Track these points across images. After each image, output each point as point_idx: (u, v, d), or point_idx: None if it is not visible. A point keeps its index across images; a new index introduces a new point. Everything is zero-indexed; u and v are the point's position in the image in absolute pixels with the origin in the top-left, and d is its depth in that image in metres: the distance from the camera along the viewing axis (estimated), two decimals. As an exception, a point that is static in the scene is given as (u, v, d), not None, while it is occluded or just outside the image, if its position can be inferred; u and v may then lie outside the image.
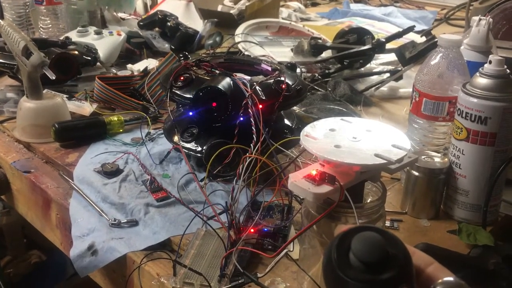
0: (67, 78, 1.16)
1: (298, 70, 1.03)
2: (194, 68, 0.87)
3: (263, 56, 1.20)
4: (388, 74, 1.26)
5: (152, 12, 1.65)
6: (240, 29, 1.52)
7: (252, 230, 0.65)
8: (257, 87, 0.79)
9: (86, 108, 1.06)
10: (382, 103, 1.21)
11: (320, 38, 1.50)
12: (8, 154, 0.94)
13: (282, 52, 1.45)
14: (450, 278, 0.35)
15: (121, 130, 1.00)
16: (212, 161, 0.77)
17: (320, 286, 0.51)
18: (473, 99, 0.70)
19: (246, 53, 1.36)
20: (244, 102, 0.76)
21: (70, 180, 0.83)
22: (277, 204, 0.74)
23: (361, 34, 1.39)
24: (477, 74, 0.71)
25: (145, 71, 1.18)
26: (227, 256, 0.60)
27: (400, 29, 1.42)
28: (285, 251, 0.57)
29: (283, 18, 1.86)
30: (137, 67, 1.24)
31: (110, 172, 0.83)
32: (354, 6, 2.26)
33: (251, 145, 0.72)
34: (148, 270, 0.64)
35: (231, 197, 0.65)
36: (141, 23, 1.51)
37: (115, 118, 0.99)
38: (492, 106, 0.69)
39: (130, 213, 0.74)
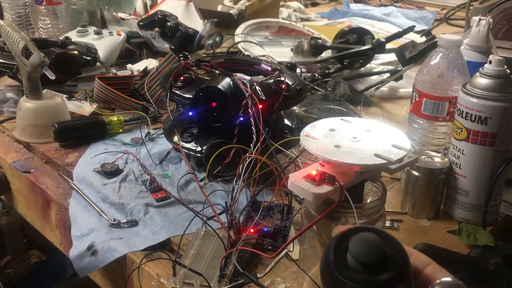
0: (67, 78, 1.16)
1: (298, 70, 1.03)
2: (194, 68, 0.87)
3: (263, 56, 1.20)
4: (388, 74, 1.26)
5: (152, 12, 1.65)
6: (240, 29, 1.52)
7: (252, 230, 0.65)
8: (257, 87, 0.79)
9: (86, 108, 1.06)
10: (382, 103, 1.21)
11: (320, 38, 1.50)
12: (7, 154, 0.94)
13: (282, 52, 1.45)
14: (448, 279, 0.35)
15: (121, 130, 0.99)
16: (212, 161, 0.77)
17: (320, 286, 0.51)
18: (473, 99, 0.70)
19: (246, 53, 1.36)
20: (244, 102, 0.76)
21: (70, 180, 0.83)
22: (277, 204, 0.74)
23: (361, 34, 1.39)
24: (477, 74, 0.71)
25: (145, 71, 1.18)
26: (227, 256, 0.60)
27: (400, 29, 1.42)
28: (285, 251, 0.57)
29: (283, 18, 1.86)
30: (137, 67, 1.24)
31: (109, 172, 0.83)
32: (354, 6, 2.26)
33: (251, 145, 0.72)
34: (147, 270, 0.64)
35: (231, 197, 0.65)
36: (141, 23, 1.51)
37: (115, 118, 0.99)
38: (492, 106, 0.69)
39: (129, 213, 0.74)
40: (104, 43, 1.31)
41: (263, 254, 0.63)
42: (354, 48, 1.33)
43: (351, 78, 1.27)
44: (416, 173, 0.75)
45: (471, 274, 0.62)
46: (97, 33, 1.34)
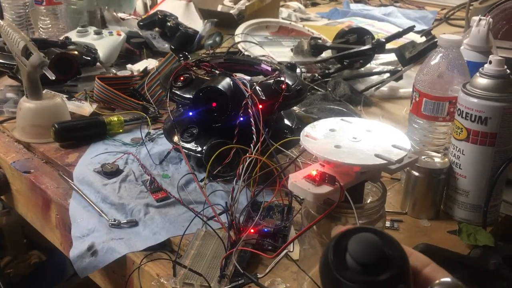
0: (66, 78, 1.16)
1: (298, 70, 1.03)
2: (194, 68, 0.87)
3: (263, 56, 1.20)
4: (388, 74, 1.26)
5: (152, 12, 1.65)
6: (240, 29, 1.52)
7: (252, 231, 0.65)
8: (257, 87, 0.79)
9: (86, 108, 1.06)
10: (382, 103, 1.21)
11: (320, 38, 1.50)
12: (8, 154, 0.94)
13: (282, 52, 1.45)
14: (447, 279, 0.35)
15: (121, 130, 0.99)
16: (212, 161, 0.77)
17: (320, 286, 0.51)
18: (473, 99, 0.70)
19: (246, 53, 1.36)
20: (244, 102, 0.76)
21: (70, 181, 0.83)
22: (277, 205, 0.74)
23: (361, 34, 1.39)
24: (477, 74, 0.71)
25: (145, 71, 1.18)
26: (227, 256, 0.60)
27: (400, 29, 1.42)
28: (285, 251, 0.57)
29: (283, 18, 1.86)
30: (137, 67, 1.24)
31: (110, 172, 0.83)
32: (354, 6, 2.26)
33: (251, 145, 0.72)
34: (148, 271, 0.64)
35: (231, 198, 0.65)
36: (141, 23, 1.51)
37: (115, 118, 0.99)
38: (492, 106, 0.69)
39: (130, 213, 0.74)
40: (104, 43, 1.31)
41: (263, 254, 0.63)
42: (354, 48, 1.33)
43: (351, 78, 1.27)
44: (416, 173, 0.75)
45: (471, 274, 0.62)
46: (97, 33, 1.34)
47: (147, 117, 1.01)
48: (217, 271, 0.60)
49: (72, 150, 0.93)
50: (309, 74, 1.27)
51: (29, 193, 0.88)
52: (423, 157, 0.76)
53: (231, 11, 1.66)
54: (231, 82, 0.79)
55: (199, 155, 0.81)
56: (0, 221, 1.57)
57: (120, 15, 1.66)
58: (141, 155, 0.89)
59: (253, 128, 0.73)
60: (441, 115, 0.79)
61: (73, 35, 1.34)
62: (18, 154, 0.95)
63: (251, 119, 0.74)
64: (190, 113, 0.84)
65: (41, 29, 1.47)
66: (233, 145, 0.77)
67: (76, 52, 1.18)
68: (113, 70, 1.27)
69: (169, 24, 1.48)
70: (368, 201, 0.58)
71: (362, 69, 1.35)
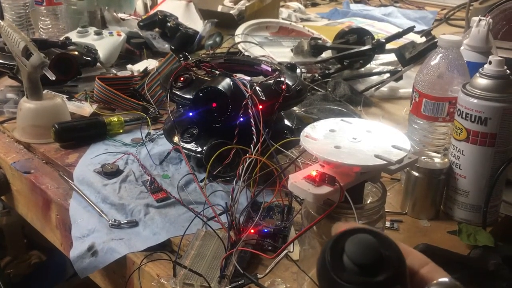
0: (67, 78, 1.16)
1: (298, 70, 1.03)
2: (194, 68, 0.87)
3: (263, 56, 1.20)
4: (388, 75, 1.26)
5: (152, 12, 1.65)
6: (240, 30, 1.52)
7: (252, 231, 0.65)
8: (257, 88, 0.79)
9: (86, 108, 1.06)
10: (382, 104, 1.21)
11: (320, 39, 1.50)
12: (8, 155, 0.94)
13: (282, 53, 1.45)
14: (445, 279, 0.34)
15: (121, 131, 1.00)
16: (212, 162, 0.77)
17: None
18: (473, 99, 0.70)
19: (246, 53, 1.36)
20: (244, 102, 0.76)
21: (70, 181, 0.83)
22: (277, 205, 0.74)
23: (361, 35, 1.40)
24: (477, 74, 0.71)
25: (145, 72, 1.18)
26: (227, 257, 0.60)
27: (400, 30, 1.42)
28: (285, 252, 0.57)
29: (283, 19, 1.86)
30: (137, 67, 1.24)
31: (110, 172, 0.83)
32: (354, 6, 2.26)
33: (251, 145, 0.72)
34: (148, 271, 0.64)
35: (231, 198, 0.65)
36: (141, 24, 1.51)
37: (115, 119, 0.99)
38: (492, 107, 0.69)
39: (130, 213, 0.74)
40: (104, 44, 1.31)
41: (263, 254, 0.63)
42: (354, 48, 1.33)
43: (351, 79, 1.28)
44: (416, 174, 0.75)
45: (471, 274, 0.62)
46: (97, 33, 1.34)
47: (147, 117, 1.01)
48: (217, 271, 0.60)
49: (72, 150, 0.93)
50: (309, 75, 1.27)
51: (30, 193, 0.88)
52: (423, 157, 0.77)
53: (231, 12, 1.66)
54: (231, 83, 0.79)
55: (199, 155, 0.81)
56: (1, 221, 1.57)
57: (120, 15, 1.66)
58: (141, 155, 0.89)
59: (253, 128, 0.73)
60: (441, 115, 0.79)
61: (73, 36, 1.34)
62: (19, 154, 0.95)
63: (251, 120, 0.74)
64: (190, 114, 0.84)
65: (41, 29, 1.48)
66: (233, 146, 0.77)
67: (76, 53, 1.18)
68: (113, 71, 1.27)
69: (169, 24, 1.48)
70: (368, 202, 0.58)
71: (362, 69, 1.35)
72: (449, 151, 0.76)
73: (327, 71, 1.27)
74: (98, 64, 1.25)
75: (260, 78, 0.85)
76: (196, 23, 1.59)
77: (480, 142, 0.71)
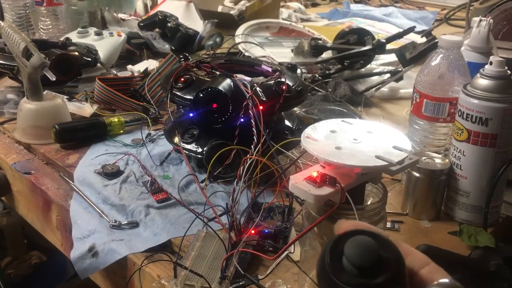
0: (67, 79, 1.16)
1: (298, 71, 1.03)
2: (195, 69, 0.87)
3: (264, 57, 1.20)
4: (388, 75, 1.26)
5: (152, 12, 1.65)
6: (240, 30, 1.52)
7: (253, 232, 0.65)
8: (258, 88, 0.79)
9: (87, 109, 1.06)
10: (383, 104, 1.21)
11: (320, 39, 1.50)
12: (8, 156, 0.94)
13: (282, 53, 1.45)
14: (446, 280, 0.34)
15: (121, 131, 0.99)
16: (213, 163, 0.77)
17: (321, 288, 0.51)
18: (474, 100, 0.70)
19: (246, 54, 1.36)
20: (245, 103, 0.76)
21: (71, 182, 0.83)
22: (278, 206, 0.74)
23: (361, 35, 1.39)
24: (478, 75, 0.71)
25: (146, 72, 1.18)
26: (228, 257, 0.60)
27: (401, 30, 1.42)
28: (286, 252, 0.57)
29: (283, 19, 1.86)
30: (138, 68, 1.24)
31: (110, 173, 0.83)
32: (354, 7, 2.26)
33: (252, 146, 0.72)
34: (148, 272, 0.64)
35: (231, 199, 0.65)
36: (141, 24, 1.51)
37: (116, 119, 0.99)
38: (493, 107, 0.69)
39: (130, 214, 0.74)
40: (105, 44, 1.31)
41: (264, 255, 0.62)
42: (355, 48, 1.33)
43: (352, 79, 1.27)
44: (417, 174, 0.75)
45: (472, 275, 0.62)
46: (97, 34, 1.34)
47: (147, 118, 1.01)
48: (218, 272, 0.60)
49: (73, 151, 0.93)
50: (309, 75, 1.27)
51: (30, 194, 0.88)
52: (423, 158, 0.76)
53: (232, 12, 1.66)
54: (232, 83, 0.79)
55: (199, 156, 0.81)
56: (1, 221, 1.57)
57: (121, 15, 1.66)
58: (141, 156, 0.89)
59: (253, 129, 0.73)
60: (442, 116, 0.79)
61: (74, 36, 1.34)
62: (19, 155, 0.95)
63: (252, 120, 0.74)
64: (191, 114, 0.84)
65: (41, 30, 1.48)
66: (233, 146, 0.77)
67: (76, 53, 1.18)
68: (114, 71, 1.27)
69: (169, 24, 1.48)
70: (369, 203, 0.58)
71: (363, 69, 1.35)
72: (450, 152, 0.76)
73: (327, 72, 1.27)
74: (99, 64, 1.25)
75: (261, 79, 0.85)
76: (196, 24, 1.59)
77: (481, 142, 0.70)
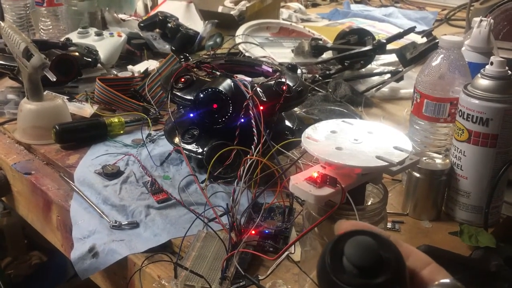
0: (67, 79, 1.16)
1: (299, 71, 1.03)
2: (195, 69, 0.87)
3: (264, 57, 1.20)
4: (389, 75, 1.26)
5: (152, 13, 1.65)
6: (240, 30, 1.52)
7: (253, 232, 0.65)
8: (258, 89, 0.79)
9: (87, 109, 1.06)
10: (383, 104, 1.21)
11: (320, 39, 1.50)
12: (8, 156, 0.94)
13: (282, 53, 1.45)
14: (447, 280, 0.34)
15: (121, 132, 0.99)
16: (213, 163, 0.77)
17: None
18: (475, 100, 0.70)
19: (246, 54, 1.36)
20: (245, 103, 0.76)
21: (71, 182, 0.83)
22: (278, 206, 0.74)
23: (361, 35, 1.39)
24: (479, 75, 0.71)
25: (146, 73, 1.18)
26: (228, 258, 0.60)
27: (401, 30, 1.42)
28: (286, 253, 0.57)
29: (283, 19, 1.86)
30: (138, 68, 1.24)
31: (110, 173, 0.83)
32: (355, 7, 2.26)
33: (252, 146, 0.72)
34: (149, 272, 0.64)
35: (232, 199, 0.65)
36: (142, 24, 1.51)
37: (116, 120, 0.99)
38: (493, 108, 0.68)
39: (131, 215, 0.74)
40: (105, 44, 1.31)
41: (264, 256, 0.62)
42: (355, 49, 1.33)
43: (352, 79, 1.27)
44: (418, 175, 0.75)
45: (473, 275, 0.62)
46: (97, 34, 1.34)
47: (148, 118, 1.01)
48: (218, 272, 0.60)
49: (73, 151, 0.93)
50: (310, 75, 1.27)
51: (30, 194, 0.88)
52: (424, 158, 0.76)
53: (232, 12, 1.66)
54: (232, 84, 0.79)
55: (200, 156, 0.81)
56: (1, 222, 1.58)
57: (121, 16, 1.66)
58: (142, 156, 0.89)
59: (254, 129, 0.73)
60: (442, 116, 0.79)
61: (74, 36, 1.34)
62: (19, 155, 0.95)
63: (252, 121, 0.74)
64: (191, 115, 0.84)
65: (41, 30, 1.48)
66: (234, 147, 0.77)
67: (77, 54, 1.18)
68: (114, 71, 1.27)
69: (169, 25, 1.48)
70: (370, 203, 0.58)
71: (363, 70, 1.35)
72: (451, 152, 0.76)
73: (327, 72, 1.27)
74: (99, 65, 1.25)
75: (261, 79, 0.85)
76: (196, 24, 1.59)
77: (481, 143, 0.70)
